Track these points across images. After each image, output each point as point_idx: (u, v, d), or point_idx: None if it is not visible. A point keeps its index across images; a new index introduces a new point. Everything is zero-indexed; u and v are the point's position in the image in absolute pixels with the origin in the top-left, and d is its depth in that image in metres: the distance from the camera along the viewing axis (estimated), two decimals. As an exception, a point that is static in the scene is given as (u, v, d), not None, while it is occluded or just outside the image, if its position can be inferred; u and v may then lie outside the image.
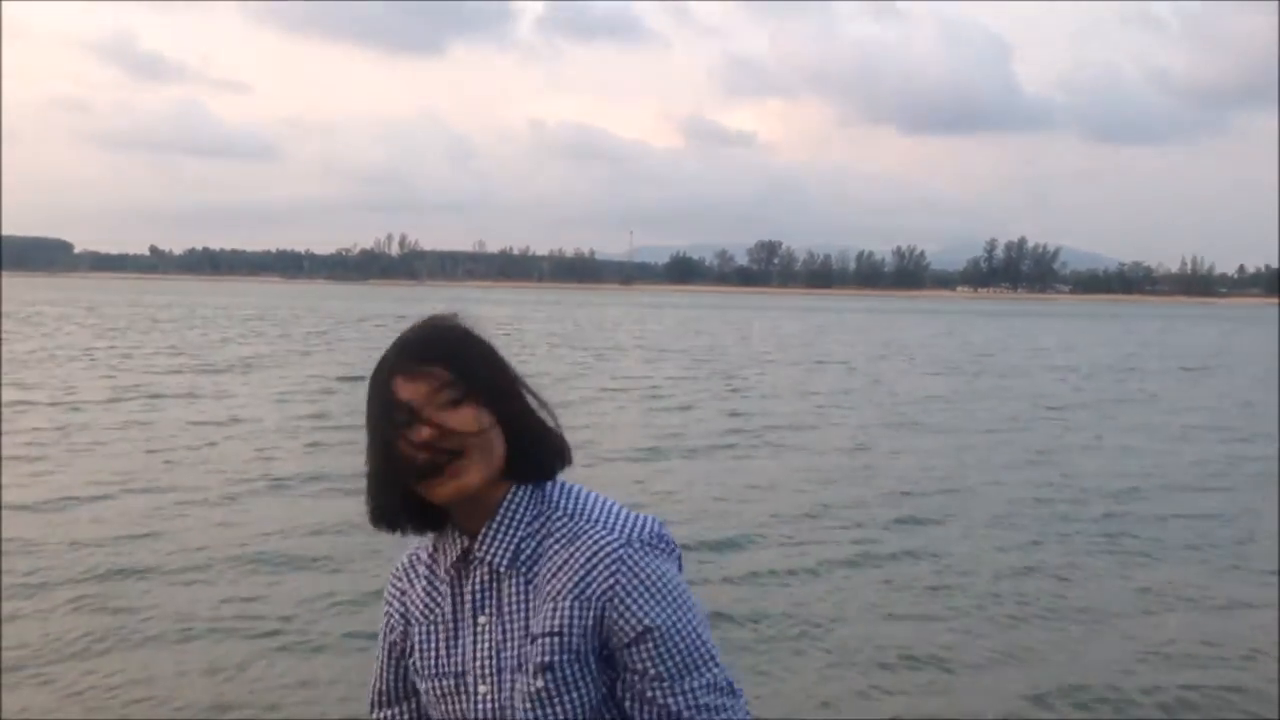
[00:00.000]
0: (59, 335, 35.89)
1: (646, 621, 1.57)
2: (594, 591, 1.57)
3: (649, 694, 1.59)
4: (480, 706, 1.63)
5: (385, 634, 1.77)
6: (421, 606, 1.72)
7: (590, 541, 1.59)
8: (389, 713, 1.77)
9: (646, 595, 1.58)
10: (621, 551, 1.58)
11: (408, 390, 1.58)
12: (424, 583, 1.73)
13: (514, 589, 1.62)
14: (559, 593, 1.58)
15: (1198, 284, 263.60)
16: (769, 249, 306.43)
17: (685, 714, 1.59)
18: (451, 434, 1.56)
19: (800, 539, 9.15)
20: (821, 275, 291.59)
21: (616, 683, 1.62)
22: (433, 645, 1.69)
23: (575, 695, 1.59)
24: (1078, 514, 10.42)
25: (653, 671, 1.58)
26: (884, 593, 7.63)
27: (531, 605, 1.61)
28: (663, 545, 1.64)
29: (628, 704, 1.62)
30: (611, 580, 1.57)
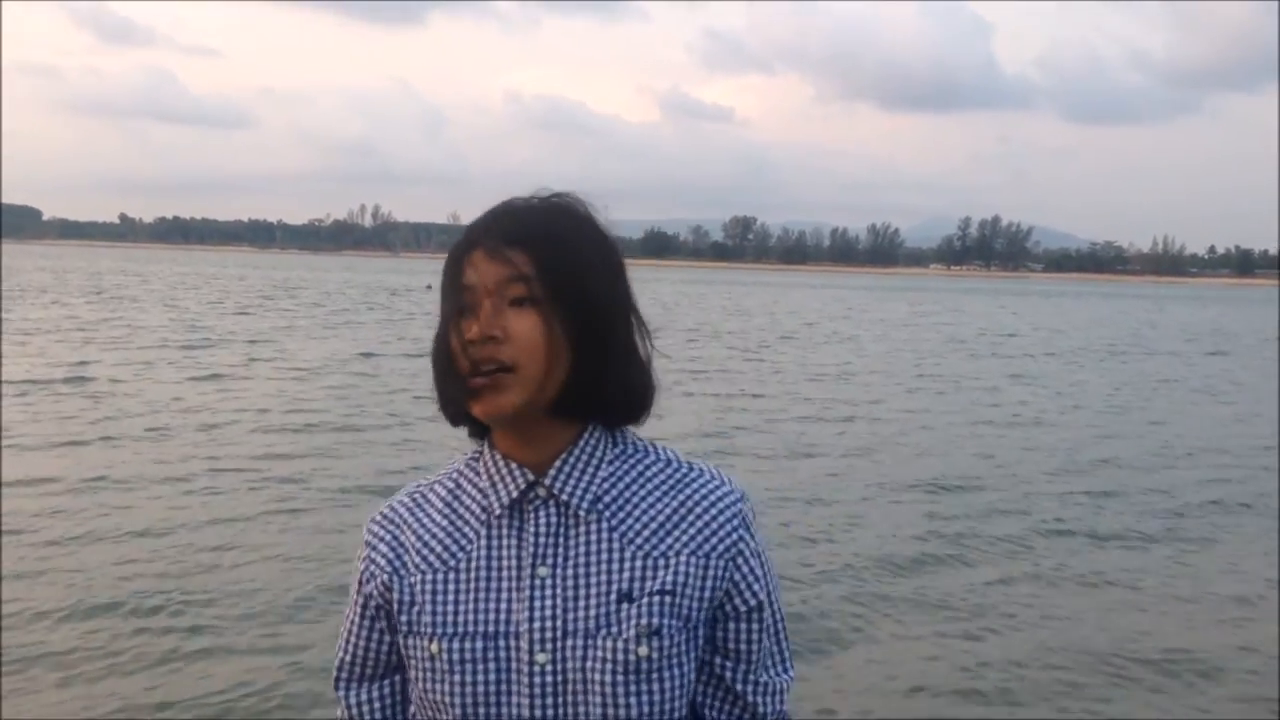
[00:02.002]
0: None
1: (761, 595, 1.34)
2: (717, 547, 1.32)
3: (734, 683, 1.35)
4: (536, 680, 1.29)
5: (359, 586, 1.40)
6: (437, 549, 1.37)
7: (707, 490, 1.34)
8: (361, 694, 1.41)
9: (760, 564, 1.35)
10: (742, 507, 1.34)
11: (476, 272, 1.29)
12: (440, 523, 1.38)
13: (593, 537, 1.32)
14: (669, 545, 1.31)
15: (1168, 263, 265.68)
16: (744, 225, 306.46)
17: (768, 716, 1.37)
18: (502, 340, 1.27)
19: None
20: (796, 252, 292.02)
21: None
22: (451, 596, 1.34)
23: (678, 671, 1.30)
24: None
25: (745, 655, 1.35)
26: None
27: (620, 558, 1.31)
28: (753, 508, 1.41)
29: (700, 689, 1.36)
30: (736, 537, 1.32)
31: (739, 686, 1.35)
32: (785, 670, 1.40)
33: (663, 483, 1.35)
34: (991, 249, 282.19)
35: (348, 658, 1.40)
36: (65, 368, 17.65)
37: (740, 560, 1.32)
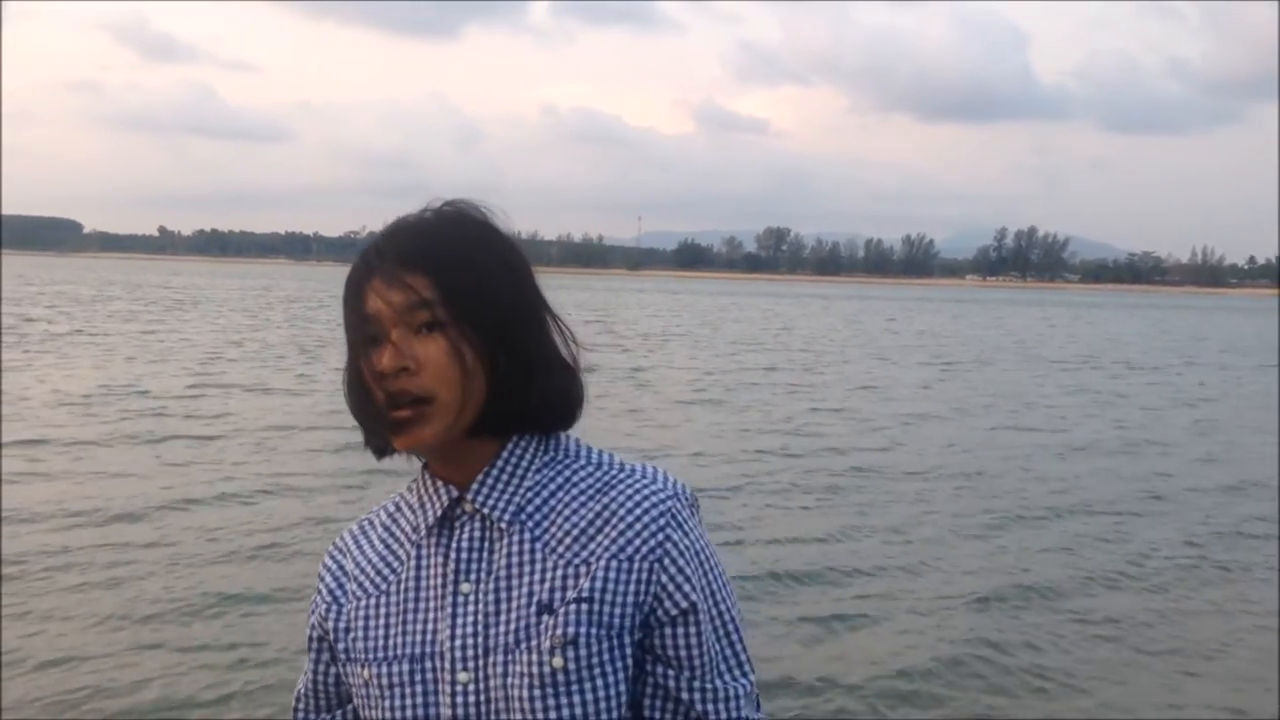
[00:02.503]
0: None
1: (694, 596, 1.26)
2: (639, 549, 1.25)
3: (679, 691, 1.27)
4: (459, 700, 1.25)
5: (309, 617, 1.40)
6: (371, 575, 1.34)
7: (631, 491, 1.27)
8: None
9: (696, 563, 1.27)
10: (671, 504, 1.27)
11: (379, 300, 1.24)
12: (378, 548, 1.36)
13: (514, 549, 1.27)
14: (590, 550, 1.25)
15: (1207, 274, 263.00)
16: (777, 236, 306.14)
17: None
18: (414, 370, 1.22)
19: None
20: (830, 263, 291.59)
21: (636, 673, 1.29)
22: (382, 620, 1.31)
23: (602, 682, 1.24)
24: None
25: (688, 662, 1.27)
26: None
27: (541, 569, 1.26)
28: (699, 511, 1.33)
29: (647, 702, 1.29)
30: (662, 537, 1.25)
31: (685, 695, 1.27)
32: (743, 675, 1.31)
33: (588, 487, 1.29)
34: (1027, 260, 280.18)
35: (303, 689, 1.40)
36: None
37: (667, 561, 1.25)
